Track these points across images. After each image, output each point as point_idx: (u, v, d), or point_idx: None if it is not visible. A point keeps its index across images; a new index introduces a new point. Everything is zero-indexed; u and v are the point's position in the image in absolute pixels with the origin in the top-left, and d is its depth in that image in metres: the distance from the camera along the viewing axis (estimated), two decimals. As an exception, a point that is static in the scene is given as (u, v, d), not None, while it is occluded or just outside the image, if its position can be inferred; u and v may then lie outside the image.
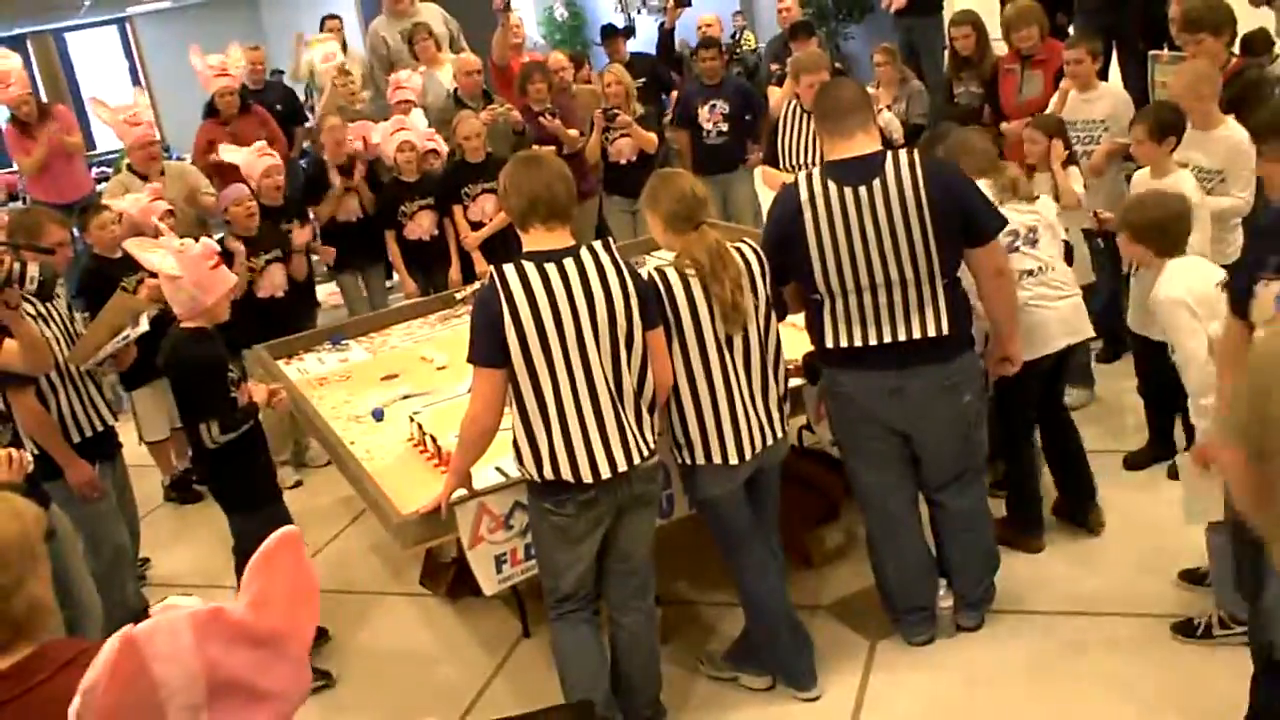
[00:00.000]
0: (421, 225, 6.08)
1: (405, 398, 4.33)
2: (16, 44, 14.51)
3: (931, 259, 3.25)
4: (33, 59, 15.14)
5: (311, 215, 5.96)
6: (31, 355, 3.43)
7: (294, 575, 1.61)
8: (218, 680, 1.50)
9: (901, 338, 3.32)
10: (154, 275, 4.98)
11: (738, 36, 11.40)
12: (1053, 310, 3.90)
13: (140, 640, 1.47)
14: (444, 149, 6.27)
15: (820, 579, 4.13)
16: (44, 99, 7.57)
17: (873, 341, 3.34)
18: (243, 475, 3.90)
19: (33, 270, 3.20)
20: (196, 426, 3.73)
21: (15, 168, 8.38)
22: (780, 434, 3.41)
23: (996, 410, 3.94)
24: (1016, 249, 3.84)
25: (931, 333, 3.31)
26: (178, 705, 1.48)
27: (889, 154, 3.31)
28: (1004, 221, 3.48)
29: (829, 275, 3.30)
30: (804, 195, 3.30)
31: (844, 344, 3.37)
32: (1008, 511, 4.12)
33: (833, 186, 3.27)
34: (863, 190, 3.24)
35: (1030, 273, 3.88)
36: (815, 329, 3.46)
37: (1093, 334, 4.19)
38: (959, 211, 3.28)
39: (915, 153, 3.34)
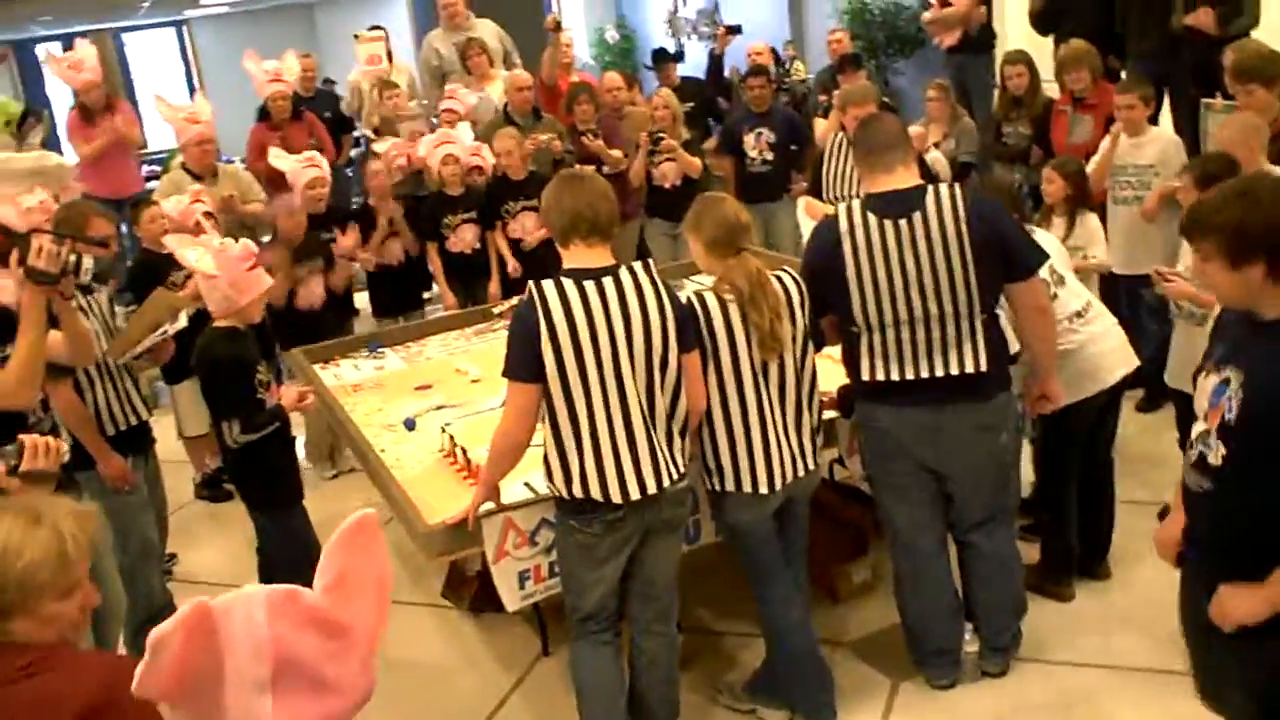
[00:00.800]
0: (464, 239, 6.11)
1: (438, 408, 4.34)
2: (66, 48, 14.78)
3: (971, 294, 3.23)
4: (98, 63, 15.39)
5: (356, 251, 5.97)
6: (75, 346, 3.46)
7: (369, 564, 1.60)
8: (284, 661, 1.50)
9: (939, 373, 3.28)
10: None
11: (787, 66, 11.41)
12: (1104, 345, 3.86)
13: (215, 611, 1.48)
14: (488, 164, 6.30)
15: (845, 615, 4.08)
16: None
17: (909, 376, 3.30)
18: (265, 475, 3.95)
19: (87, 262, 3.24)
20: (220, 424, 3.81)
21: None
22: (812, 465, 3.38)
23: (1039, 450, 3.89)
24: (1055, 295, 3.80)
25: (970, 369, 3.27)
26: (243, 679, 1.48)
27: (929, 188, 3.29)
28: (1045, 256, 3.45)
29: (867, 308, 3.28)
30: (844, 227, 3.28)
31: (880, 378, 3.34)
32: (1040, 557, 4.06)
33: (873, 219, 3.26)
34: (903, 223, 3.23)
35: (1079, 313, 3.84)
36: (852, 361, 3.43)
37: (1139, 362, 4.11)
38: (999, 245, 3.25)
39: (956, 186, 3.32)
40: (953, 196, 3.25)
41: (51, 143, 7.88)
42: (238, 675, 1.49)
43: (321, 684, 1.53)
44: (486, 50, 7.48)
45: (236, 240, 3.98)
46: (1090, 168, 5.24)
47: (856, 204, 3.33)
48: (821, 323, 3.45)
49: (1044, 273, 3.56)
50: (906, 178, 3.33)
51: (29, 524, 1.86)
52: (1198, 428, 2.42)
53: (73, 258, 3.15)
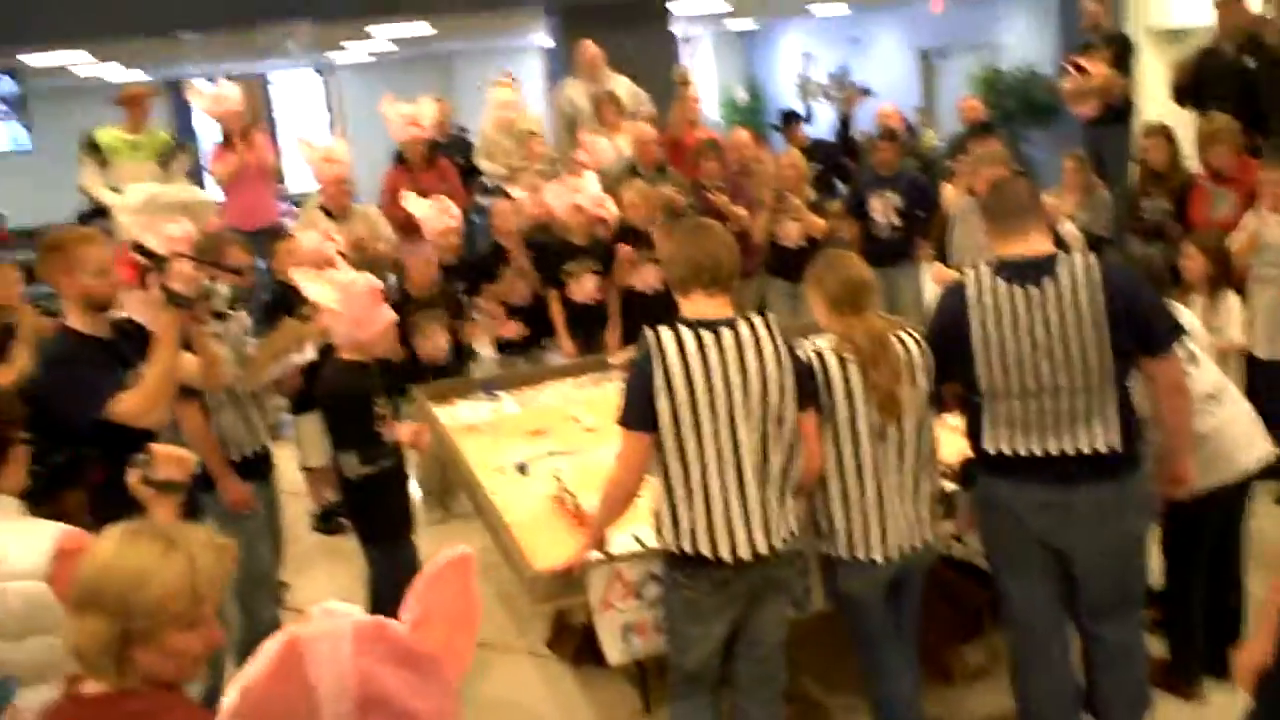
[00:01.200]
0: (585, 287, 6.15)
1: (550, 454, 4.35)
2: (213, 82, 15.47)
3: (1104, 367, 3.09)
4: (241, 96, 16.09)
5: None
6: (207, 370, 3.56)
7: (459, 600, 1.59)
8: (369, 695, 1.49)
9: (1068, 450, 3.14)
10: None
11: (918, 132, 11.34)
12: (1237, 430, 3.68)
13: (303, 641, 1.48)
14: (612, 215, 6.35)
15: (957, 697, 3.93)
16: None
17: (1036, 451, 3.17)
18: (379, 508, 4.01)
19: (223, 289, 3.34)
20: (339, 455, 3.87)
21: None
22: (929, 537, 3.28)
23: (1167, 538, 3.71)
24: (1188, 374, 3.64)
25: (1101, 448, 3.13)
26: (328, 714, 1.47)
27: (1063, 255, 3.17)
28: (1183, 331, 3.31)
29: (993, 376, 3.16)
30: (971, 291, 3.19)
31: (1004, 450, 3.21)
32: (1169, 651, 3.85)
33: (1002, 284, 3.15)
34: (1034, 290, 3.12)
35: (1211, 395, 3.67)
36: (974, 432, 3.31)
37: (1277, 450, 3.91)
38: (1136, 318, 3.11)
39: (1092, 255, 3.20)
40: (1088, 265, 3.13)
41: (194, 173, 8.24)
42: (324, 706, 1.48)
43: (406, 716, 1.52)
44: (619, 103, 7.58)
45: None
46: (1233, 246, 5.05)
47: (986, 268, 3.23)
48: (944, 389, 3.36)
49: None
50: (1039, 243, 3.22)
51: (165, 550, 1.81)
52: None
53: (209, 284, 3.25)
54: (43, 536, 2.35)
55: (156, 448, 2.65)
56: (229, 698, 1.48)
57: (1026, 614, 3.36)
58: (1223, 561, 3.85)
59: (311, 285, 4.00)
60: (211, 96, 7.61)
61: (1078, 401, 3.12)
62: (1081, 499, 3.16)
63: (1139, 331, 3.12)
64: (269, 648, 1.48)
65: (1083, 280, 3.10)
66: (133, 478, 2.61)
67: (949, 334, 3.23)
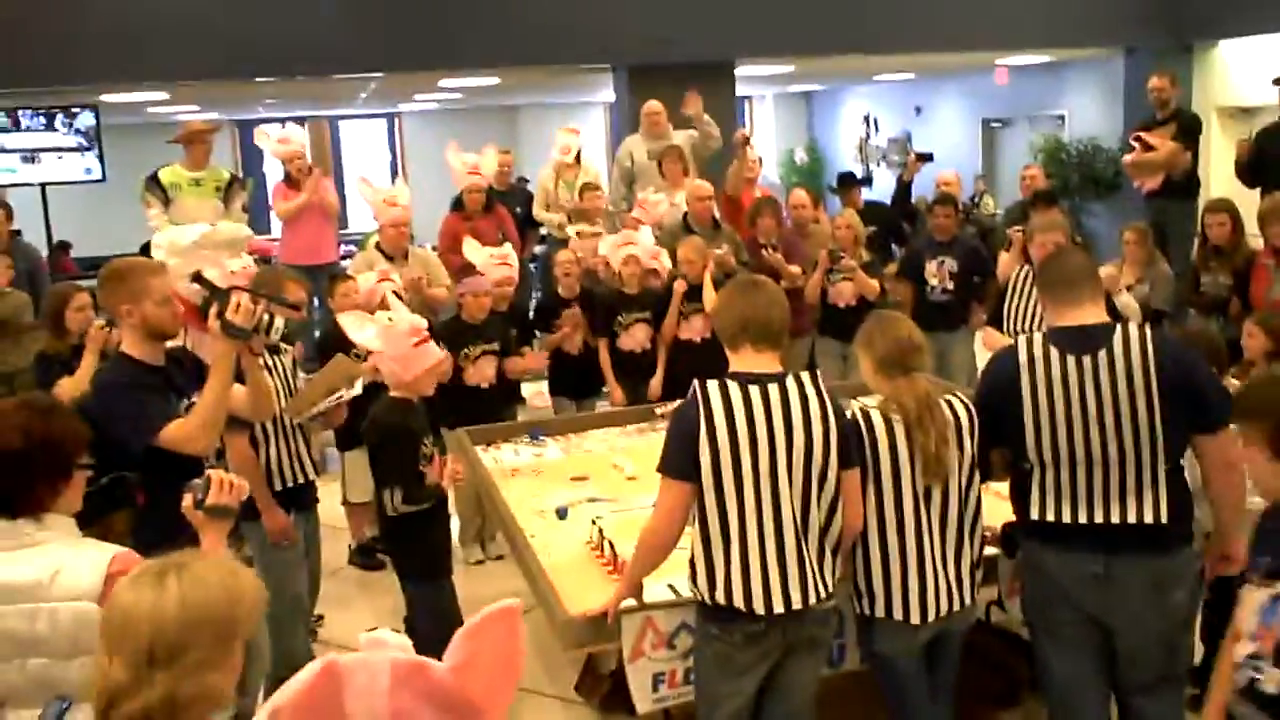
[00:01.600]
0: (635, 337, 6.18)
1: (591, 501, 4.35)
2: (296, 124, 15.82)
3: (1156, 439, 3.05)
4: (306, 139, 16.44)
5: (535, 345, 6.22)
6: (257, 401, 3.61)
7: (503, 649, 1.57)
8: None
9: (1114, 520, 3.08)
10: None
11: (977, 200, 11.32)
12: None
13: (341, 670, 1.48)
14: (665, 269, 6.39)
15: (990, 765, 3.85)
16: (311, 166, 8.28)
17: (1082, 520, 3.12)
18: (419, 547, 4.05)
19: (278, 322, 3.38)
20: (382, 492, 3.91)
21: (273, 235, 9.17)
22: (968, 601, 3.23)
23: (1208, 611, 3.63)
24: None
25: (1148, 519, 3.07)
26: None
27: (1119, 326, 3.15)
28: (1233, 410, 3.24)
29: (1042, 443, 3.12)
30: (1023, 358, 3.16)
31: (1050, 518, 3.16)
32: None
33: (1055, 352, 3.12)
34: (1086, 359, 3.09)
35: None
36: (1020, 499, 3.26)
37: None
38: (1189, 393, 3.06)
39: (1148, 327, 3.18)
40: (1143, 337, 3.10)
41: (253, 209, 8.43)
42: None
43: None
44: (683, 159, 7.64)
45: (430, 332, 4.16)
46: None
47: (1039, 336, 3.21)
48: (991, 455, 3.32)
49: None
50: (1094, 314, 3.20)
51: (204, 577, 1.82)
52: (1244, 648, 2.19)
53: (266, 317, 3.30)
54: (98, 558, 2.39)
55: (213, 473, 2.69)
56: (259, 718, 1.48)
57: (1066, 685, 3.29)
58: None
59: (356, 329, 4.10)
60: (277, 138, 7.83)
61: (1127, 472, 3.08)
62: (1127, 570, 3.10)
63: (1192, 406, 3.07)
64: (306, 671, 1.48)
65: (1136, 352, 3.07)
66: (186, 501, 2.65)
67: (999, 399, 3.21)
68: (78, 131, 9.43)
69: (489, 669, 1.56)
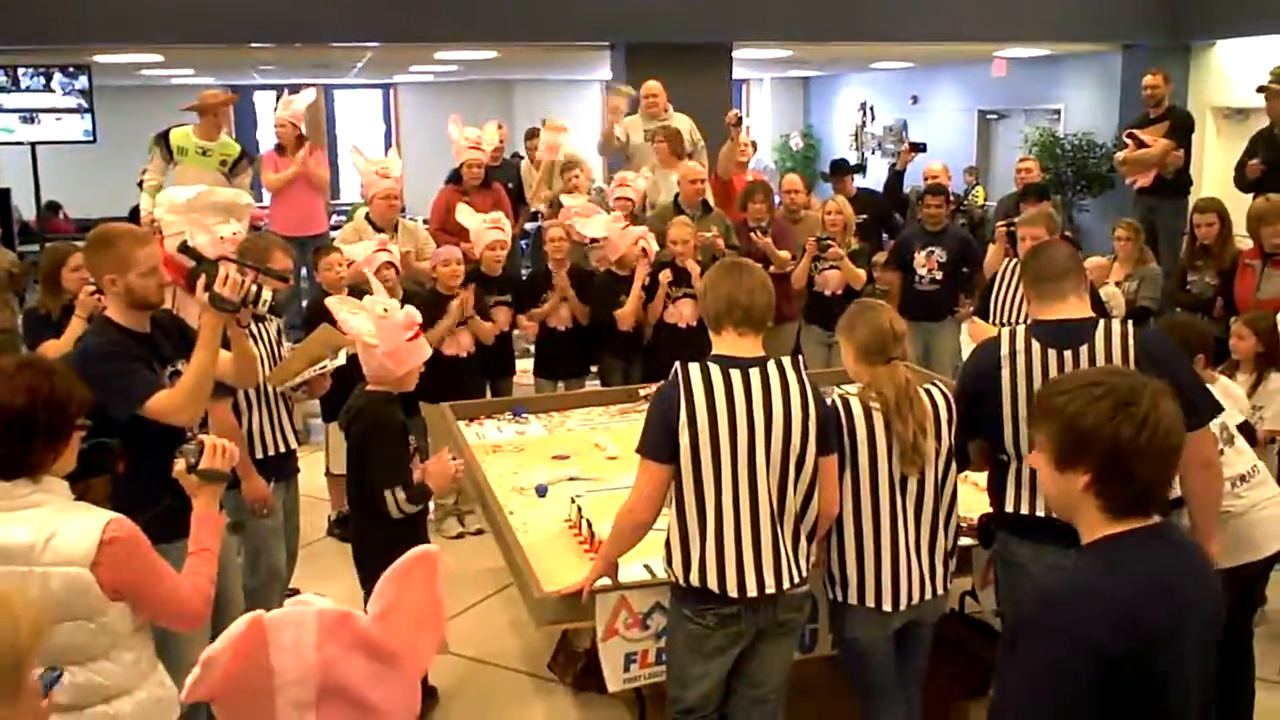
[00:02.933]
0: (625, 320, 6.18)
1: (571, 479, 4.36)
2: (292, 92, 15.73)
3: None
4: (304, 111, 16.37)
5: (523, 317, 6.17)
6: (241, 368, 3.60)
7: (424, 596, 1.59)
8: (330, 683, 1.50)
9: None
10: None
11: (968, 192, 11.34)
12: (1266, 513, 3.63)
13: (268, 624, 1.49)
14: (652, 250, 6.38)
15: (957, 754, 3.88)
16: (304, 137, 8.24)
17: (1055, 514, 3.14)
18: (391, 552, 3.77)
19: (266, 294, 3.35)
20: (375, 490, 3.61)
21: (264, 203, 9.14)
22: (941, 590, 3.25)
23: None
24: (1222, 453, 3.60)
25: None
26: (288, 698, 1.48)
27: (1101, 321, 3.17)
28: (1219, 408, 3.27)
29: (1019, 436, 3.15)
30: (1005, 350, 3.18)
31: (1024, 510, 3.19)
32: None
33: (1036, 346, 3.15)
34: (1068, 354, 3.12)
35: (1243, 477, 3.62)
36: (996, 490, 3.29)
37: None
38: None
39: (1130, 323, 3.19)
40: (1124, 333, 3.13)
41: (255, 186, 8.43)
42: (283, 694, 1.49)
43: (365, 707, 1.52)
44: (670, 139, 7.61)
45: (401, 303, 3.94)
46: None
47: (1021, 329, 3.23)
48: (970, 446, 3.34)
49: (1214, 427, 3.37)
50: (1078, 308, 3.22)
51: None
52: None
53: (254, 288, 3.28)
54: (93, 524, 2.39)
55: (205, 438, 2.71)
56: (194, 670, 1.50)
57: None
58: (1231, 641, 3.77)
59: (348, 316, 3.83)
60: (284, 100, 7.83)
61: None
62: None
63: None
64: (236, 625, 1.50)
65: (1117, 347, 3.10)
66: (179, 465, 2.68)
67: (979, 390, 3.24)
68: (79, 92, 9.37)
69: (412, 617, 1.58)
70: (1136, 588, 1.87)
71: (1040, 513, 3.16)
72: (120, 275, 3.20)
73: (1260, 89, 7.07)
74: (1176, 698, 1.86)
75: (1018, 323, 5.22)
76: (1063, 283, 3.23)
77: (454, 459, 3.81)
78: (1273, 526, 3.64)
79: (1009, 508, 3.23)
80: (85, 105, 9.42)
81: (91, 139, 9.55)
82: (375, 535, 3.71)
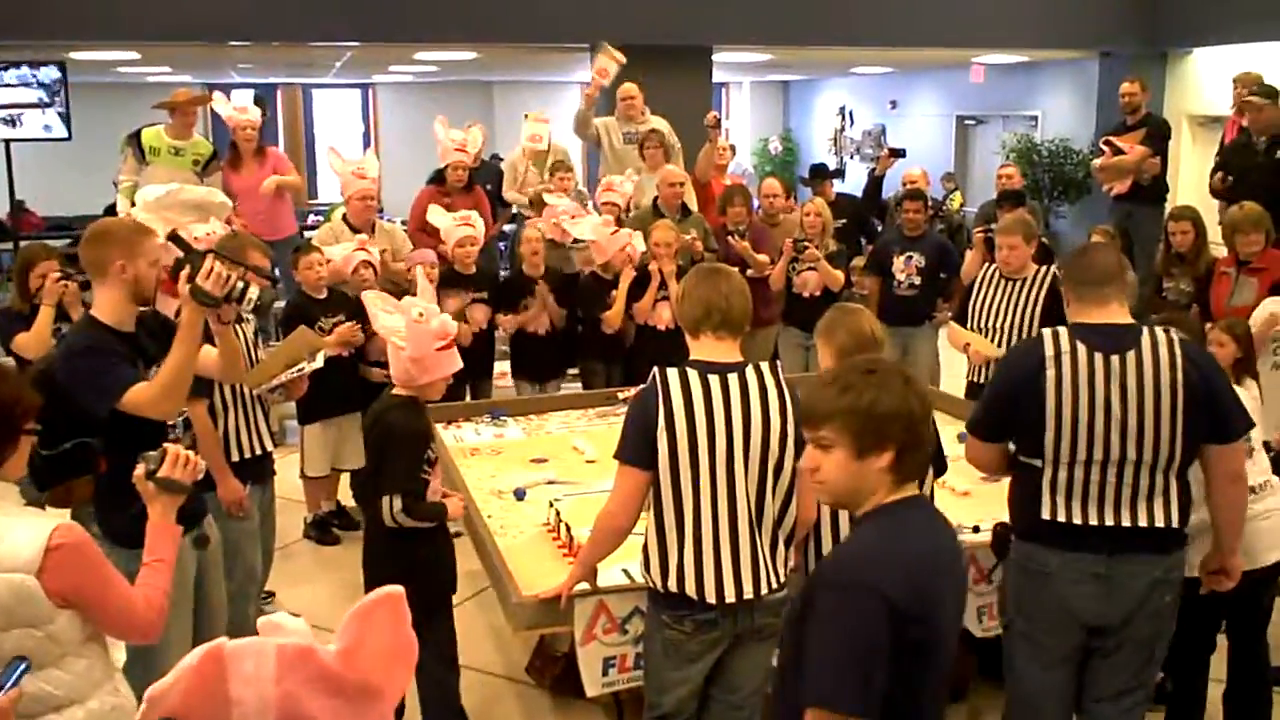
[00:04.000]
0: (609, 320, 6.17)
1: (549, 483, 4.35)
2: (268, 91, 15.66)
3: (1175, 445, 3.02)
4: (279, 107, 16.30)
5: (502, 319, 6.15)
6: (227, 364, 3.57)
7: (392, 635, 1.56)
8: (289, 717, 1.47)
9: (1125, 523, 3.05)
10: (352, 321, 5.21)
11: (945, 197, 11.39)
12: (1268, 522, 3.62)
13: (227, 655, 1.47)
14: (636, 253, 6.37)
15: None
16: (265, 142, 8.04)
17: (1092, 521, 3.06)
18: (410, 568, 3.46)
19: (252, 293, 3.30)
20: (376, 495, 3.55)
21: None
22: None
23: (1181, 618, 3.63)
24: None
25: (1159, 523, 3.05)
26: None
27: (1145, 329, 3.10)
28: (1251, 423, 3.24)
29: (1061, 441, 3.05)
30: (1049, 351, 3.07)
31: (1060, 519, 3.08)
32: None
33: (1082, 348, 3.05)
34: (1115, 359, 3.03)
35: (1254, 489, 3.61)
36: (1026, 498, 3.16)
37: None
38: (1209, 402, 3.03)
39: (1173, 330, 3.14)
40: (1170, 341, 3.06)
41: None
42: None
43: None
44: (664, 144, 7.61)
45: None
46: (1253, 326, 5.03)
47: (1064, 330, 3.11)
48: (994, 449, 3.26)
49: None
50: (1120, 314, 3.14)
51: None
52: None
53: (240, 285, 3.23)
54: (39, 530, 2.33)
55: (170, 447, 2.65)
56: (142, 707, 1.47)
57: (1035, 693, 3.24)
58: (1244, 652, 3.78)
59: (382, 315, 3.74)
60: (235, 105, 7.66)
61: (1141, 476, 3.05)
62: (1128, 571, 3.08)
63: (1211, 416, 3.05)
64: (192, 656, 1.47)
65: (1165, 355, 3.03)
66: (138, 471, 2.61)
67: (1018, 393, 3.12)
68: (40, 85, 9.23)
69: (379, 653, 1.55)
70: (922, 549, 2.10)
71: (1076, 520, 3.08)
72: (130, 262, 3.17)
73: (1244, 101, 7.11)
74: (945, 653, 2.12)
75: (1000, 329, 5.27)
76: (1104, 288, 3.14)
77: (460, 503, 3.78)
78: (1269, 538, 3.63)
79: (1045, 514, 3.11)
80: (48, 100, 9.24)
81: (62, 136, 9.45)
82: (379, 540, 3.66)
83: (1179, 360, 3.02)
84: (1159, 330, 3.10)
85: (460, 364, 3.75)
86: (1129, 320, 3.14)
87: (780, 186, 7.51)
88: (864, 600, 1.98)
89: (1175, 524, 3.07)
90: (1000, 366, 3.41)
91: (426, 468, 3.61)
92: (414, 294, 3.98)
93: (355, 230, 6.21)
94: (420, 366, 3.59)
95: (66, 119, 9.30)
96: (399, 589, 1.59)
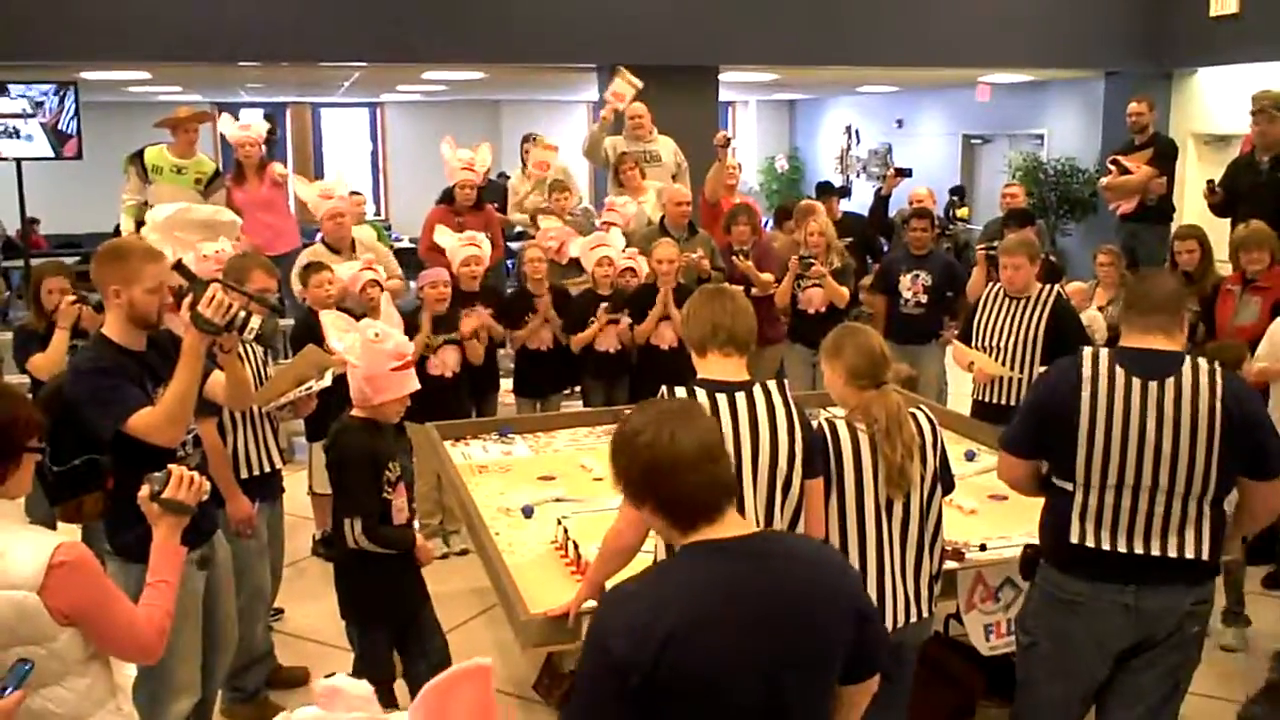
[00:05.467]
0: (608, 338, 6.20)
1: (557, 500, 4.36)
2: (278, 110, 15.74)
3: (1209, 476, 2.98)
4: (288, 125, 16.39)
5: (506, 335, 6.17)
6: (234, 391, 3.59)
7: (476, 709, 1.48)
8: None
9: (1155, 552, 3.02)
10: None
11: (951, 211, 11.40)
12: None
13: None
14: (641, 269, 6.41)
15: (941, 777, 3.88)
16: (268, 158, 8.06)
17: (1121, 549, 3.03)
18: (369, 589, 3.70)
19: (254, 322, 3.31)
20: (336, 518, 3.64)
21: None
22: (926, 613, 3.25)
23: None
24: None
25: (1189, 554, 3.01)
26: None
27: (1187, 357, 3.06)
28: None
29: (1092, 464, 3.02)
30: (1087, 372, 3.03)
31: (1089, 543, 3.05)
32: None
33: (1120, 372, 3.01)
34: (1153, 385, 2.98)
35: None
36: (1056, 522, 3.14)
37: None
38: (1250, 437, 2.99)
39: (1217, 362, 3.09)
40: (1212, 371, 3.02)
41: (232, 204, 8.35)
42: None
43: None
44: (640, 165, 7.64)
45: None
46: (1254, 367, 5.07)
47: (1105, 352, 3.10)
48: (1027, 466, 3.23)
49: None
50: (1165, 343, 3.07)
51: None
52: None
53: (242, 313, 3.25)
54: (42, 547, 2.33)
55: (174, 468, 2.66)
56: None
57: (1048, 709, 3.23)
58: None
59: (337, 335, 3.83)
60: (239, 124, 7.70)
61: (1173, 505, 3.01)
62: (1157, 603, 3.05)
63: (1249, 451, 3.01)
64: None
65: (1205, 385, 2.98)
66: (143, 492, 2.62)
67: (1052, 413, 3.10)
68: (24, 98, 9.24)
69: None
70: (658, 596, 2.00)
71: (1106, 547, 3.04)
72: (125, 288, 3.19)
73: (1255, 111, 7.10)
74: (722, 699, 1.96)
75: (1005, 348, 5.28)
76: (1160, 316, 3.09)
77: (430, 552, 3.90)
78: None
79: (1073, 539, 3.07)
80: (31, 112, 9.25)
81: (53, 156, 9.47)
82: (347, 563, 3.74)
83: (1219, 390, 2.97)
84: (1202, 360, 3.05)
85: (417, 384, 3.82)
86: (1174, 348, 3.08)
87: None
88: (594, 652, 1.99)
89: (1205, 557, 3.02)
90: (1038, 382, 3.36)
91: (388, 488, 3.65)
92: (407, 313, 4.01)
93: (334, 250, 6.23)
94: (374, 386, 3.63)
95: (62, 136, 9.31)
96: (486, 661, 1.49)
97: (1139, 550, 3.02)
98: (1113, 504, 3.03)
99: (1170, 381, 2.99)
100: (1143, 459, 2.98)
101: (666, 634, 1.92)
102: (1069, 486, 3.09)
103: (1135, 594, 3.04)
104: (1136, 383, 3.00)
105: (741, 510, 2.93)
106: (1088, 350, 3.13)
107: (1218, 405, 2.96)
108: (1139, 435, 2.98)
